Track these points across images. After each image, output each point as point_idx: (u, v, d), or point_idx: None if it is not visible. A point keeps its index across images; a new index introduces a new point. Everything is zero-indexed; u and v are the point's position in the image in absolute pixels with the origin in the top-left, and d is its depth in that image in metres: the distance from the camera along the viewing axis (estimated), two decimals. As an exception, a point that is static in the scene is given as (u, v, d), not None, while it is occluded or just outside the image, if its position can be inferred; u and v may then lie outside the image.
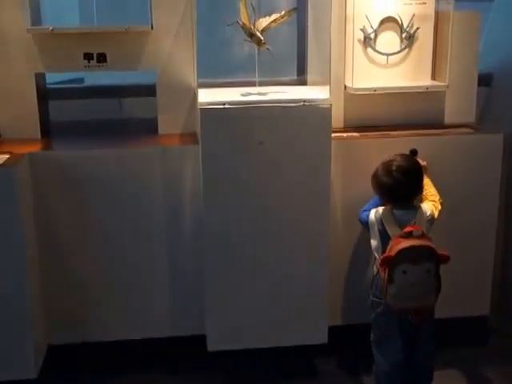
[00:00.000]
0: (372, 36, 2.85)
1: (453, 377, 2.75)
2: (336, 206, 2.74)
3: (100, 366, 2.82)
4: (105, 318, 2.78)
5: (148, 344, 2.83)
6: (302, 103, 2.53)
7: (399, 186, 2.44)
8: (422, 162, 2.59)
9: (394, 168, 2.45)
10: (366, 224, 2.52)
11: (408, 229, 2.35)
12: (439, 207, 2.53)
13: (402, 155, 2.52)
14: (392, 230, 2.40)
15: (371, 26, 2.84)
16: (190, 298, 2.78)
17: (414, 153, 2.67)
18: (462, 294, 2.89)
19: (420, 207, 2.48)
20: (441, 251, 2.35)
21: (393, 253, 2.32)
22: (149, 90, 3.01)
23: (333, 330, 2.71)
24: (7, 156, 2.55)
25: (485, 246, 2.91)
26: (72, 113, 3.14)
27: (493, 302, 2.99)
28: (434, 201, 2.55)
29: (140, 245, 2.73)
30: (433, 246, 2.35)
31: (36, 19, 2.77)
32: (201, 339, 2.72)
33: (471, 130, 2.88)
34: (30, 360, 2.54)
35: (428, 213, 2.48)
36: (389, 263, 2.33)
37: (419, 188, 2.51)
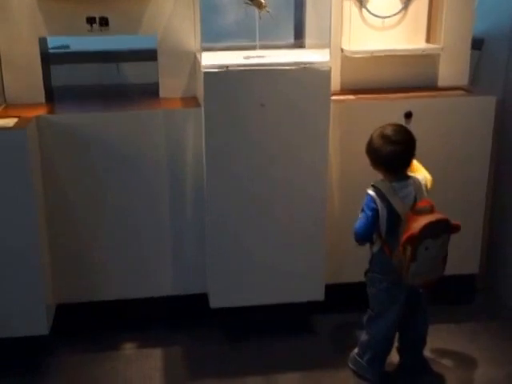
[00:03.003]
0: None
1: (440, 332, 2.86)
2: (333, 165, 2.82)
3: (105, 323, 2.91)
4: (109, 279, 2.86)
5: (151, 303, 2.92)
6: (302, 66, 2.60)
7: (397, 154, 2.43)
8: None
9: (391, 135, 2.43)
10: (360, 236, 2.48)
11: (420, 204, 2.38)
12: (429, 177, 2.52)
13: (393, 124, 2.50)
14: (399, 207, 2.39)
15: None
16: (192, 258, 2.87)
17: (408, 115, 2.76)
18: (451, 254, 2.99)
19: (414, 177, 2.47)
20: (454, 222, 2.39)
21: (415, 231, 2.31)
22: (146, 55, 3.08)
23: (330, 288, 2.80)
24: (16, 119, 2.60)
25: (475, 206, 3.00)
26: (71, 78, 3.20)
27: (480, 262, 3.10)
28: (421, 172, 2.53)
29: (143, 205, 2.80)
30: (447, 217, 2.38)
31: (37, -16, 2.80)
32: (202, 297, 2.83)
33: (465, 93, 2.97)
34: (42, 317, 2.63)
35: (423, 182, 2.48)
36: (413, 241, 2.32)
37: (413, 156, 2.48)
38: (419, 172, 2.52)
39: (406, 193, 2.43)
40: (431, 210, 2.38)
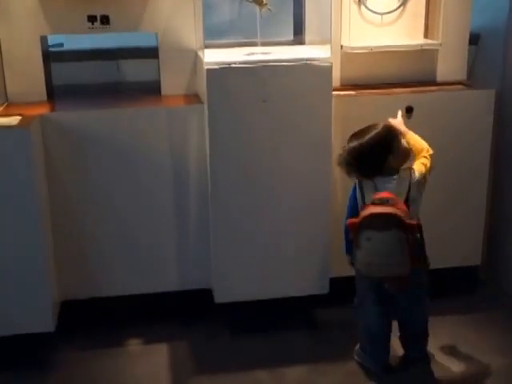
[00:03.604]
0: (366, -6, 2.95)
1: (443, 322, 2.90)
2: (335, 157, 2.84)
3: (110, 320, 2.92)
4: (114, 275, 2.88)
5: (156, 298, 2.93)
6: (304, 62, 2.63)
7: (347, 163, 2.44)
8: (398, 119, 2.58)
9: (352, 147, 2.44)
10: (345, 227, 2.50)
11: (376, 196, 2.37)
12: (428, 163, 2.48)
13: (364, 128, 2.48)
14: (368, 197, 2.42)
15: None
16: (197, 253, 2.88)
17: (409, 110, 2.80)
18: (454, 246, 3.05)
19: (404, 173, 2.44)
20: (409, 220, 2.31)
21: (357, 219, 2.35)
22: (146, 53, 3.10)
23: (334, 281, 2.84)
24: (19, 118, 2.61)
25: (477, 198, 3.04)
26: (71, 76, 3.21)
27: (482, 254, 3.15)
28: (423, 157, 2.49)
29: (147, 202, 2.82)
30: (397, 213, 2.31)
31: (38, -18, 2.81)
32: (207, 293, 2.87)
33: (464, 87, 3.01)
34: (47, 314, 2.64)
35: (416, 175, 2.44)
36: (353, 229, 2.35)
37: (382, 155, 2.42)
38: (418, 161, 2.48)
39: (385, 186, 2.42)
40: (389, 203, 2.34)
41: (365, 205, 2.42)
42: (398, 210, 2.32)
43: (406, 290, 2.48)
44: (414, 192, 2.43)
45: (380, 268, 2.36)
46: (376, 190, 2.42)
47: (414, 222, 2.34)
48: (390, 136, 2.46)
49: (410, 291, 2.51)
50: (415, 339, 2.68)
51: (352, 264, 2.52)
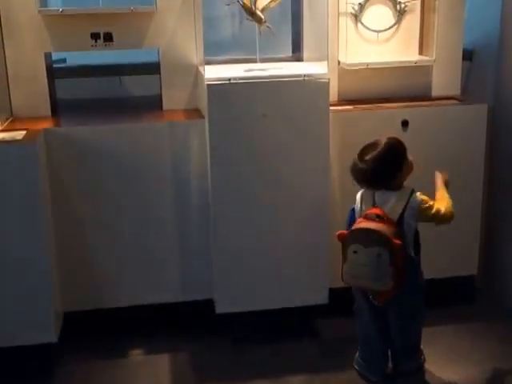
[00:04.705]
0: (362, 15, 3.02)
1: (440, 332, 2.94)
2: (333, 173, 2.90)
3: (113, 331, 2.95)
4: (116, 286, 2.92)
5: (158, 309, 2.98)
6: (302, 78, 2.70)
7: (365, 172, 2.45)
8: (443, 177, 2.61)
9: (363, 156, 2.46)
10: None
11: (368, 211, 2.43)
12: (443, 210, 2.46)
13: (372, 142, 2.50)
14: (366, 210, 2.47)
15: (360, 4, 3.01)
16: (198, 264, 2.94)
17: (405, 123, 2.87)
18: (450, 255, 3.10)
19: (404, 190, 2.47)
20: (395, 239, 2.35)
21: (346, 232, 2.43)
22: (148, 68, 3.17)
23: (334, 292, 2.88)
24: (24, 132, 2.66)
25: (472, 208, 3.10)
26: (75, 91, 3.28)
27: (479, 263, 3.19)
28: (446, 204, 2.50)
29: (149, 214, 2.87)
30: (383, 231, 2.35)
31: (42, 0, 2.87)
32: (208, 303, 2.91)
33: (457, 102, 3.08)
34: (51, 325, 2.68)
35: (419, 199, 2.45)
36: (342, 241, 2.43)
37: (394, 171, 2.46)
38: (439, 201, 2.50)
39: (383, 200, 2.46)
40: (378, 220, 2.40)
41: (359, 218, 2.48)
42: (384, 227, 2.38)
43: (385, 305, 2.52)
44: (408, 214, 2.45)
45: (359, 280, 2.44)
46: (374, 203, 2.48)
47: (398, 241, 2.36)
48: (403, 149, 2.50)
49: (402, 308, 2.55)
50: (405, 354, 2.69)
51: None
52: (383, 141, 2.49)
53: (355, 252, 2.39)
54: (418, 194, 2.48)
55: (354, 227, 2.44)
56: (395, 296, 2.46)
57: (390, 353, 2.69)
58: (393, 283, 2.39)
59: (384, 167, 2.46)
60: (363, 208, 2.51)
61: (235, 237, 2.79)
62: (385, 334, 2.63)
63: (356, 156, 2.50)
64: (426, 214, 2.46)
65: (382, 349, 2.66)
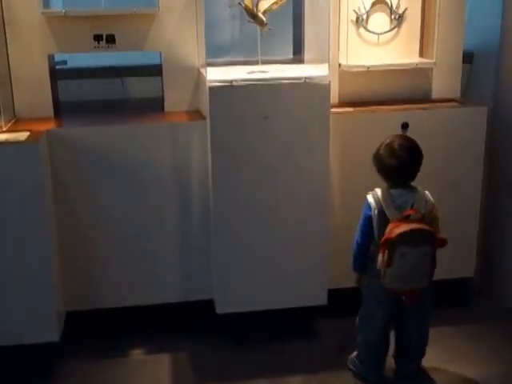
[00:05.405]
0: (364, 17, 3.04)
1: (439, 334, 2.92)
2: (333, 174, 2.93)
3: (114, 330, 2.97)
4: (118, 286, 2.95)
5: (159, 309, 3.00)
6: (303, 80, 2.72)
7: (398, 168, 2.48)
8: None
9: (396, 148, 2.48)
10: (357, 246, 2.59)
11: (407, 212, 2.41)
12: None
13: (401, 135, 2.58)
14: (390, 213, 2.45)
15: (364, 7, 3.02)
16: (198, 265, 2.96)
17: (405, 126, 2.89)
18: (448, 257, 3.09)
19: (418, 189, 2.51)
20: (439, 235, 2.41)
21: (393, 235, 2.36)
22: (150, 70, 3.19)
23: (333, 293, 2.91)
24: (27, 133, 2.68)
25: (470, 212, 3.12)
26: (77, 92, 3.30)
27: (477, 265, 3.21)
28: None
29: (150, 215, 2.90)
30: (432, 229, 2.41)
31: (45, 2, 2.89)
32: (208, 303, 2.93)
33: (457, 104, 3.10)
34: (53, 324, 2.71)
35: (430, 199, 2.50)
36: (389, 246, 2.37)
37: (419, 167, 2.53)
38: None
39: (404, 200, 2.48)
40: (419, 220, 2.41)
41: (393, 221, 2.43)
42: (427, 226, 2.41)
43: (418, 303, 2.53)
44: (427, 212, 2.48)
45: (406, 282, 2.44)
46: (393, 202, 2.47)
47: (444, 236, 2.41)
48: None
49: (420, 304, 2.57)
50: (413, 353, 2.71)
51: (359, 281, 2.61)
52: (408, 141, 2.53)
53: (403, 255, 2.37)
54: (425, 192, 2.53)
55: (400, 230, 2.37)
56: (421, 293, 2.50)
57: (390, 353, 2.72)
58: (428, 280, 2.45)
59: (419, 162, 2.51)
60: (388, 211, 2.46)
61: (236, 238, 2.81)
62: (388, 341, 2.67)
63: (380, 153, 2.51)
64: (434, 215, 2.51)
65: (384, 352, 2.68)
